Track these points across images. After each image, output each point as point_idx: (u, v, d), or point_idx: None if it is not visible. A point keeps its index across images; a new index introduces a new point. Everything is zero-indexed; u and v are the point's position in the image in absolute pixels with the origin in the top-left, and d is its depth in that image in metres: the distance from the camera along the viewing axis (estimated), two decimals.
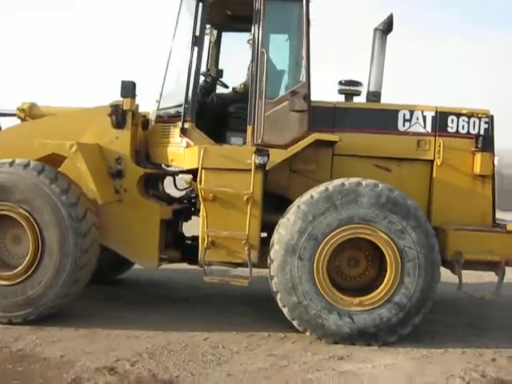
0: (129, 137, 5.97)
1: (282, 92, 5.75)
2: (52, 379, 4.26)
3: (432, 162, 5.84)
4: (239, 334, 5.44)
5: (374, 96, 6.06)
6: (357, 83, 6.21)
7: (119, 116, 5.93)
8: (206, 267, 5.45)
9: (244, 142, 5.84)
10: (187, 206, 6.26)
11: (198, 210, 6.03)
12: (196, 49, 5.80)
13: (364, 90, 6.24)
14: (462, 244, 5.43)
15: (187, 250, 6.29)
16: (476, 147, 5.71)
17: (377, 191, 5.16)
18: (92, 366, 4.51)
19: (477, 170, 5.69)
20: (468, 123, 5.79)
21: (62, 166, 5.84)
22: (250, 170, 5.40)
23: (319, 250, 5.17)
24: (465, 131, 5.79)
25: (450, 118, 5.80)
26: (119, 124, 5.94)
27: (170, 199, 6.39)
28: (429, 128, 5.82)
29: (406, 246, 5.13)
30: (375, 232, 5.15)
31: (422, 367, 4.76)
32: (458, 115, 5.80)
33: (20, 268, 5.42)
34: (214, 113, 6.17)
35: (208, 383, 4.29)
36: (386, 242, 5.14)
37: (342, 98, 6.26)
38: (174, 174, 6.57)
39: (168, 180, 6.76)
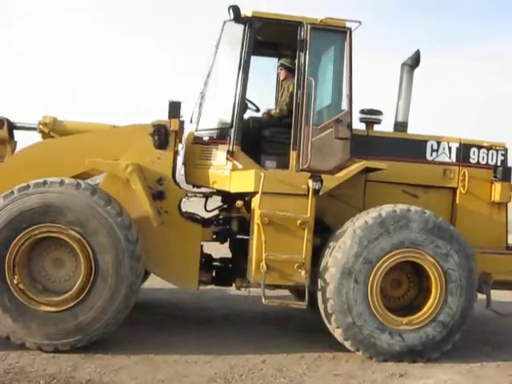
0: (171, 157, 5.91)
1: (325, 119, 5.97)
2: None
3: (455, 189, 6.34)
4: (290, 356, 5.55)
5: (402, 126, 6.47)
6: (378, 112, 6.58)
7: (162, 136, 5.85)
8: (264, 290, 5.46)
9: (278, 166, 5.99)
10: (225, 229, 6.25)
11: (236, 233, 6.14)
12: (242, 73, 5.88)
13: (383, 119, 6.64)
14: (488, 266, 5.94)
15: (217, 271, 6.32)
16: (495, 177, 6.29)
17: (425, 217, 5.54)
18: None
19: (496, 197, 6.26)
20: (487, 155, 6.36)
21: (101, 184, 5.67)
22: (303, 195, 5.57)
23: (373, 273, 5.44)
24: (484, 162, 6.36)
25: (472, 150, 6.34)
26: (162, 144, 5.86)
27: (200, 221, 6.35)
28: (453, 158, 6.32)
29: (450, 269, 5.54)
30: (423, 255, 5.52)
31: (474, 381, 5.17)
32: (479, 147, 6.36)
33: (70, 293, 5.17)
34: (250, 136, 6.26)
35: None
36: (433, 264, 5.52)
37: (362, 126, 6.62)
38: (207, 196, 6.55)
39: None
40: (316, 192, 5.58)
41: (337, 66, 6.13)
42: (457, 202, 6.33)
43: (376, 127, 6.59)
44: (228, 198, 6.44)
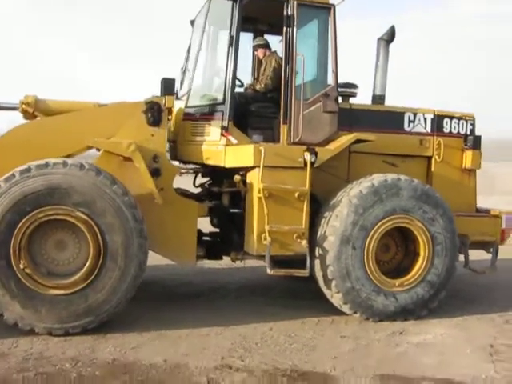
0: (164, 134, 5.91)
1: (313, 94, 6.15)
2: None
3: (430, 158, 6.76)
4: (292, 322, 5.81)
5: (380, 99, 6.77)
6: (353, 85, 6.84)
7: (155, 113, 5.82)
8: (269, 261, 5.63)
9: (264, 140, 6.14)
10: (217, 204, 6.32)
11: (227, 207, 6.25)
12: (232, 49, 5.93)
13: (358, 92, 6.92)
14: (465, 228, 6.42)
15: (208, 246, 6.41)
16: (465, 145, 6.76)
17: (413, 185, 5.91)
18: (207, 366, 4.57)
19: (467, 164, 6.75)
20: (458, 124, 6.82)
21: (96, 163, 5.58)
22: (300, 168, 5.76)
23: (368, 239, 5.76)
24: (456, 131, 6.82)
25: (445, 120, 6.77)
26: (155, 121, 5.83)
27: (194, 197, 6.39)
28: (429, 128, 6.73)
29: (436, 232, 5.97)
30: (412, 221, 5.90)
31: (466, 333, 5.64)
32: (451, 117, 6.80)
33: (79, 275, 5.11)
34: (236, 111, 6.32)
35: (329, 365, 4.66)
36: (421, 229, 5.92)
37: None
38: (196, 173, 6.59)
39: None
40: (311, 164, 5.79)
41: (321, 41, 6.33)
42: (432, 169, 6.76)
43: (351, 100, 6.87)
44: (214, 173, 6.52)
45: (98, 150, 6.21)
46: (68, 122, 5.78)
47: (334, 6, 6.16)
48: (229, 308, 6.29)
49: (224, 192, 6.28)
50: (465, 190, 6.84)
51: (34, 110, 5.93)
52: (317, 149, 5.85)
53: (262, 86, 6.43)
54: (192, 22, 7.04)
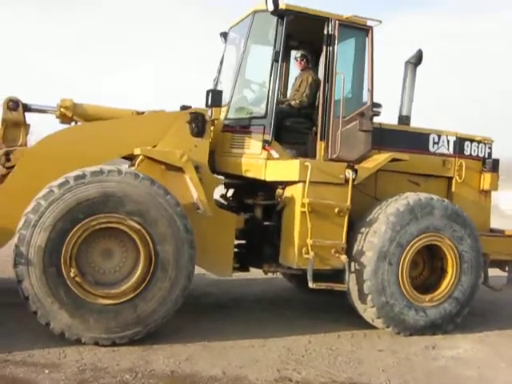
0: (207, 145, 5.92)
1: (349, 112, 6.29)
2: None
3: (451, 178, 7.02)
4: (327, 335, 5.92)
5: (406, 119, 6.99)
6: (377, 105, 7.05)
7: (199, 124, 5.84)
8: (312, 275, 5.69)
9: (297, 155, 6.25)
10: (253, 216, 6.35)
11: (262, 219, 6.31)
12: (276, 64, 6.02)
13: (382, 111, 7.13)
14: (485, 247, 6.67)
15: (240, 258, 6.43)
16: (484, 167, 7.06)
17: (444, 205, 6.14)
18: (267, 378, 4.60)
19: (485, 186, 7.05)
20: (478, 148, 7.11)
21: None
22: (340, 184, 5.89)
23: (403, 256, 5.94)
24: (475, 154, 7.11)
25: (466, 143, 7.06)
26: (199, 132, 5.85)
27: (226, 208, 6.40)
28: (451, 150, 6.99)
29: (464, 250, 6.21)
30: (443, 239, 6.12)
31: (491, 348, 5.88)
32: (472, 141, 7.09)
33: (129, 284, 5.05)
34: None
35: (382, 378, 4.78)
36: (450, 247, 6.15)
37: None
38: (229, 186, 6.61)
39: None
40: (353, 181, 5.92)
41: (358, 60, 6.49)
42: (452, 189, 7.02)
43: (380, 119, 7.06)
44: (242, 186, 6.57)
45: (126, 158, 6.19)
46: (110, 129, 5.75)
47: (371, 27, 6.35)
48: (258, 320, 6.33)
49: (257, 205, 6.34)
50: (481, 210, 7.13)
51: (72, 114, 5.86)
52: (356, 166, 6.00)
53: (298, 102, 6.54)
54: (223, 35, 7.11)
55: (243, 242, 6.71)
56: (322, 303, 7.29)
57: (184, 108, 6.65)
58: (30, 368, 4.50)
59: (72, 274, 4.90)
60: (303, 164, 5.75)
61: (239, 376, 4.62)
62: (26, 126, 5.89)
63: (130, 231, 5.05)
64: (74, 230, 4.87)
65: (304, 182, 5.74)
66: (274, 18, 6.05)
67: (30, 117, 5.98)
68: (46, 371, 4.45)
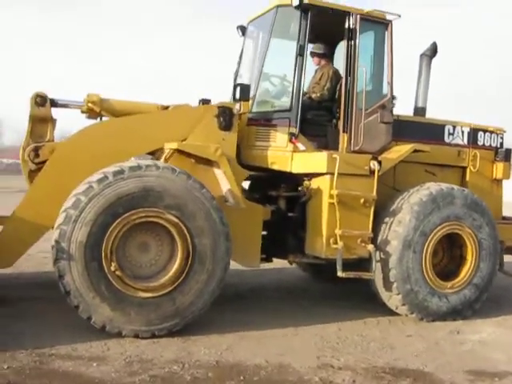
0: (235, 139, 6.00)
1: (370, 105, 6.42)
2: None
3: (465, 168, 7.21)
4: (354, 323, 6.08)
5: (422, 111, 7.15)
6: (393, 97, 7.19)
7: (227, 118, 5.91)
8: (341, 264, 5.83)
9: (318, 147, 6.36)
10: (278, 207, 6.45)
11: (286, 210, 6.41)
12: (300, 58, 6.11)
13: (397, 103, 7.27)
14: (500, 234, 6.89)
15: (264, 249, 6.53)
16: (496, 157, 7.26)
17: (464, 194, 6.33)
18: (310, 365, 4.73)
19: (498, 175, 7.26)
20: (490, 138, 7.31)
21: None
22: (365, 175, 6.02)
23: (427, 244, 6.12)
24: (488, 144, 7.30)
25: (479, 134, 7.24)
26: (227, 126, 5.92)
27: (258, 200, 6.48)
28: (465, 141, 7.17)
29: (482, 238, 6.41)
30: (463, 227, 6.31)
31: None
32: (485, 131, 7.28)
33: (167, 277, 5.13)
34: None
35: (418, 362, 4.94)
36: (470, 235, 6.34)
37: None
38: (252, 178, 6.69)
39: None
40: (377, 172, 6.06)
41: (378, 54, 6.61)
42: (466, 179, 7.21)
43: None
44: (263, 179, 6.67)
45: (150, 153, 6.23)
46: (141, 124, 5.80)
47: (391, 21, 6.47)
48: (280, 309, 6.46)
49: (281, 196, 6.44)
50: (494, 198, 7.32)
51: (100, 109, 5.89)
52: (380, 157, 6.14)
53: (319, 95, 6.63)
54: (241, 28, 7.16)
55: (265, 233, 6.82)
56: (338, 292, 7.46)
57: (204, 102, 6.72)
58: (77, 361, 4.55)
59: (113, 268, 4.96)
60: (331, 156, 5.87)
61: (282, 364, 4.74)
62: (53, 122, 5.90)
63: (168, 225, 5.11)
64: (114, 225, 4.93)
65: (331, 173, 5.86)
66: (297, 12, 6.13)
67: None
68: (94, 364, 4.51)
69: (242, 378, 4.42)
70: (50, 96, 5.87)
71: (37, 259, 8.02)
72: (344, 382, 4.45)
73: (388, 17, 6.50)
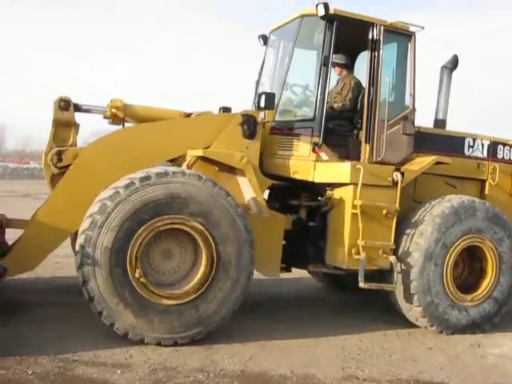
0: (258, 147, 6.00)
1: (392, 116, 6.40)
2: None
3: (484, 181, 7.19)
4: (374, 334, 6.04)
5: (442, 123, 7.14)
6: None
7: (251, 126, 5.90)
8: (363, 275, 5.80)
9: (339, 157, 6.35)
10: (299, 217, 6.43)
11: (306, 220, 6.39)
12: (324, 68, 6.11)
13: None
14: None
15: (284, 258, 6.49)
16: None
17: (486, 207, 6.32)
18: (336, 376, 4.70)
19: None
20: (510, 152, 7.30)
21: None
22: (387, 186, 6.01)
23: (448, 257, 6.09)
24: (507, 158, 7.29)
25: (499, 147, 7.23)
26: (251, 134, 5.92)
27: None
28: (485, 154, 7.16)
29: (503, 252, 6.38)
30: (484, 240, 6.28)
31: None
32: (504, 145, 7.27)
33: (191, 285, 5.10)
34: None
35: (442, 375, 4.90)
36: (491, 248, 6.32)
37: None
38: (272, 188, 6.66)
39: None
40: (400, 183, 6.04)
41: (401, 65, 6.59)
42: (486, 192, 7.19)
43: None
44: (283, 189, 6.64)
45: (170, 160, 6.22)
46: (165, 131, 5.82)
47: (414, 33, 6.48)
48: (299, 319, 6.40)
49: (302, 206, 6.42)
50: (510, 211, 7.30)
51: (124, 115, 5.89)
52: (402, 169, 6.13)
53: (340, 105, 6.63)
54: (262, 37, 7.18)
55: (284, 242, 6.79)
56: (355, 302, 7.42)
57: (224, 110, 6.73)
58: (101, 368, 4.53)
59: (137, 275, 4.93)
60: (355, 167, 5.85)
61: (307, 375, 4.71)
62: (76, 126, 5.90)
63: (193, 232, 5.09)
64: (139, 231, 4.91)
65: (354, 184, 5.84)
66: (323, 22, 6.14)
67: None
68: (118, 371, 4.48)
69: None
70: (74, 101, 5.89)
71: (51, 264, 7.98)
72: None
73: (411, 28, 6.51)
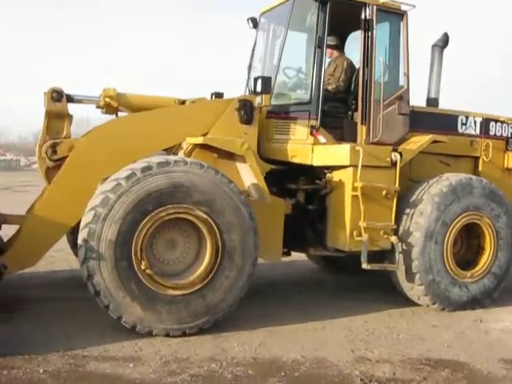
0: (256, 132, 5.93)
1: (387, 96, 6.38)
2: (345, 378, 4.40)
3: (477, 158, 7.24)
4: (378, 314, 6.09)
5: (435, 102, 7.14)
6: None
7: (248, 111, 5.83)
8: (366, 257, 5.81)
9: (334, 139, 6.32)
10: (298, 201, 6.39)
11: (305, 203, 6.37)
12: (319, 50, 6.05)
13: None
14: None
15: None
16: (507, 147, 7.31)
17: (483, 184, 6.37)
18: (347, 359, 4.71)
19: (509, 165, 7.30)
20: (501, 128, 7.35)
21: None
22: (386, 167, 6.01)
23: (447, 234, 6.14)
24: (499, 134, 7.34)
25: (491, 124, 7.27)
26: (248, 119, 5.85)
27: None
28: (478, 131, 7.20)
29: (500, 228, 6.46)
30: (482, 217, 6.35)
31: None
32: (496, 121, 7.31)
33: (197, 274, 5.06)
34: None
35: (451, 353, 4.95)
36: (488, 224, 6.38)
37: None
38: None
39: None
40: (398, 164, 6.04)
41: (393, 45, 6.57)
42: (479, 168, 7.24)
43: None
44: (280, 172, 6.60)
45: (165, 149, 6.14)
46: (162, 120, 5.70)
47: (406, 12, 6.44)
48: (302, 303, 6.44)
49: (300, 189, 6.39)
50: (506, 188, 7.33)
51: (118, 104, 5.77)
52: (400, 149, 6.13)
53: (334, 87, 6.59)
54: (252, 20, 7.07)
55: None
56: (354, 284, 7.47)
57: (217, 95, 6.64)
58: (112, 363, 4.46)
59: (143, 267, 4.86)
60: (354, 148, 5.83)
61: (318, 358, 4.71)
62: (70, 118, 5.76)
63: (196, 221, 5.03)
64: (143, 222, 4.83)
65: (354, 166, 5.83)
66: (315, 4, 6.06)
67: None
68: (131, 365, 4.42)
69: (283, 374, 4.38)
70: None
71: (45, 258, 7.82)
72: (385, 374, 4.44)
73: (403, 7, 6.47)
